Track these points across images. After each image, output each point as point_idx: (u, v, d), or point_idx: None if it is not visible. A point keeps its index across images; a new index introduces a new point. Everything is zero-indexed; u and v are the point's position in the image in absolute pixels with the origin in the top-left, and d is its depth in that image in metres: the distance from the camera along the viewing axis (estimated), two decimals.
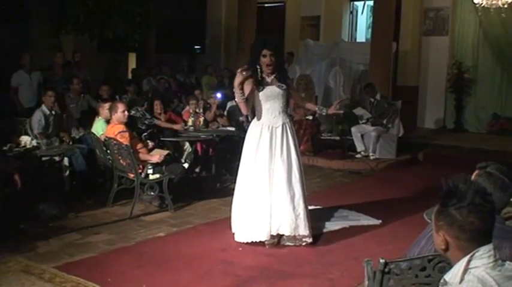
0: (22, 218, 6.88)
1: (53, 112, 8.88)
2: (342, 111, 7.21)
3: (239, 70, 6.15)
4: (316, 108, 7.28)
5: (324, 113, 7.09)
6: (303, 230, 6.33)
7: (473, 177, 3.17)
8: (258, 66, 6.27)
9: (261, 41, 6.52)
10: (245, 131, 6.67)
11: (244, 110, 6.40)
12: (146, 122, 9.53)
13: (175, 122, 10.03)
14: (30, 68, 10.89)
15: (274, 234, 6.32)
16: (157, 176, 7.65)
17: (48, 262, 5.70)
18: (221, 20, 19.22)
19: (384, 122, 11.72)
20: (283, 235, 6.37)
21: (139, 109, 9.79)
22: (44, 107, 8.81)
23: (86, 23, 12.89)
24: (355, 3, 17.52)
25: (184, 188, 8.27)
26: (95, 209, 7.66)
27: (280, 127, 6.32)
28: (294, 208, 6.26)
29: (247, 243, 6.34)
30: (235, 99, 6.53)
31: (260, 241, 6.30)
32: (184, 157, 9.23)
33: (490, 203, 2.28)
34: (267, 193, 6.27)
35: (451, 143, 13.03)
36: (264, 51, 6.25)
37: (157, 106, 9.99)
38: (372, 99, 11.90)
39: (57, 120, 8.97)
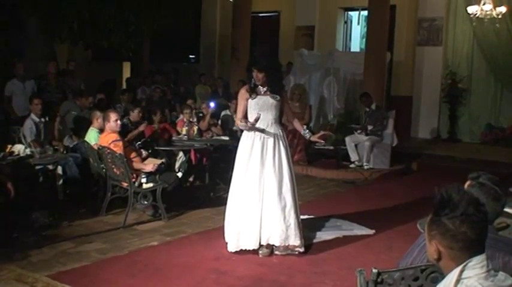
0: (15, 226, 6.85)
1: (43, 119, 8.87)
2: (323, 142, 7.27)
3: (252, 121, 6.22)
4: (301, 130, 6.92)
5: (306, 137, 6.99)
6: (294, 240, 6.33)
7: (465, 188, 3.16)
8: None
9: (252, 58, 6.75)
10: (239, 140, 6.65)
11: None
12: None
13: (169, 131, 10.02)
14: (24, 76, 10.87)
15: (264, 244, 6.32)
16: (150, 185, 7.63)
17: (41, 270, 5.67)
18: (215, 29, 19.29)
19: (373, 128, 11.76)
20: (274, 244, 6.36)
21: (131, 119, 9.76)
22: (33, 115, 8.80)
23: (80, 32, 12.91)
24: (350, 13, 17.61)
25: (177, 197, 8.24)
26: (88, 218, 7.63)
27: (272, 138, 6.33)
28: (284, 218, 6.26)
29: (238, 252, 6.32)
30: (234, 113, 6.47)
31: (252, 250, 6.29)
32: (178, 166, 9.22)
33: (483, 213, 2.28)
34: (257, 203, 6.27)
35: (445, 153, 13.07)
36: (253, 68, 6.36)
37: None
38: (367, 109, 11.90)
39: (47, 128, 8.95)
